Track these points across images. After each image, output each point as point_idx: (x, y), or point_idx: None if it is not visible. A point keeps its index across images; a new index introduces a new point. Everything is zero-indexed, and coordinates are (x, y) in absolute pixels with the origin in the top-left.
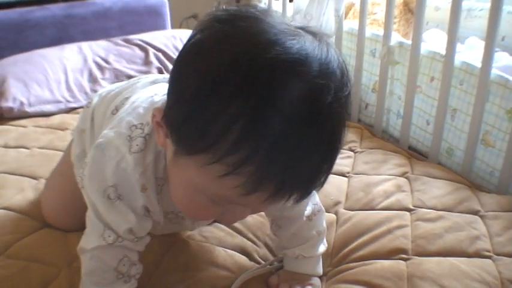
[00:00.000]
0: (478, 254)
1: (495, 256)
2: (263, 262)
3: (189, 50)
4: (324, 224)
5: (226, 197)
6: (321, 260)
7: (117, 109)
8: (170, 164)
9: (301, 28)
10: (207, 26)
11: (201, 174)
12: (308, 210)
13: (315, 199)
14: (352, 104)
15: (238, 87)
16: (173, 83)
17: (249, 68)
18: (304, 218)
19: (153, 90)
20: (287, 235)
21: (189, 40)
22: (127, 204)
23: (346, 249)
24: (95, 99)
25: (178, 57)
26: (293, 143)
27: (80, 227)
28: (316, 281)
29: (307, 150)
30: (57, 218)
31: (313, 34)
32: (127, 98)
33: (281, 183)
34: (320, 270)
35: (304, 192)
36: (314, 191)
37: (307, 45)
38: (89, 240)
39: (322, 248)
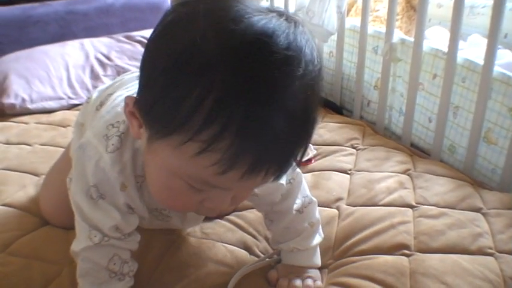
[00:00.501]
0: (480, 252)
1: (497, 253)
2: (263, 256)
3: (156, 35)
4: (317, 215)
5: (203, 179)
6: (318, 251)
7: (101, 105)
8: (145, 153)
9: (268, 9)
10: (173, 9)
11: (176, 156)
12: (298, 203)
13: (305, 191)
14: (354, 101)
15: (206, 63)
16: (142, 68)
17: (216, 42)
18: (294, 212)
19: (136, 86)
20: (279, 229)
21: (158, 24)
22: (110, 203)
23: (348, 243)
24: (95, 95)
25: (146, 44)
26: (265, 115)
27: None
28: (315, 272)
29: (280, 121)
30: (55, 215)
31: (280, 13)
32: (110, 95)
33: (256, 157)
34: (318, 261)
35: (282, 166)
36: (304, 186)
37: (273, 21)
38: (78, 243)
39: (317, 239)
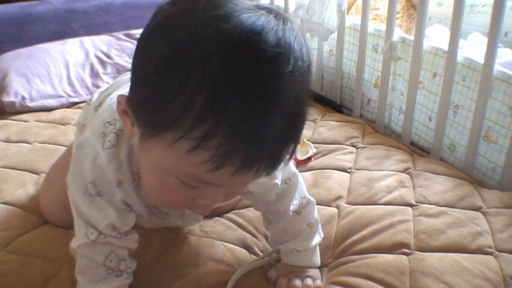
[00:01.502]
0: (480, 250)
1: (497, 252)
2: (262, 254)
3: (146, 33)
4: (316, 216)
5: (196, 176)
6: (317, 251)
7: (99, 105)
8: (138, 151)
9: (257, 6)
10: (162, 8)
11: (168, 154)
12: (295, 204)
13: (303, 192)
14: (354, 99)
15: (196, 61)
16: (134, 66)
17: (205, 41)
18: (292, 213)
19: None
20: (277, 230)
21: (148, 24)
22: (107, 200)
23: (348, 242)
24: (95, 96)
25: (137, 43)
26: (256, 112)
27: None
28: (315, 272)
29: (271, 117)
30: (56, 214)
31: (269, 10)
32: (108, 95)
33: (248, 153)
34: (317, 261)
35: (274, 162)
36: (302, 187)
37: (262, 18)
38: (75, 240)
39: (317, 239)
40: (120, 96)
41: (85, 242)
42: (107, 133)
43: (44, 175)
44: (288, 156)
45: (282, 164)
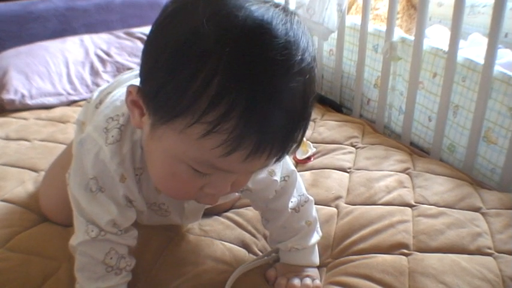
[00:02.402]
0: (479, 251)
1: (496, 254)
2: (261, 254)
3: (158, 25)
4: (314, 214)
5: (208, 161)
6: (316, 250)
7: (100, 103)
8: (148, 140)
9: (264, 0)
10: (173, 1)
11: (181, 140)
12: (293, 201)
13: (301, 190)
14: (354, 99)
15: (211, 47)
16: (145, 58)
17: (219, 28)
18: (290, 210)
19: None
20: (276, 228)
21: (159, 16)
22: (108, 196)
23: (347, 241)
24: (95, 95)
25: (148, 35)
26: (269, 95)
27: None
28: (314, 271)
29: (283, 102)
30: (56, 211)
31: (275, 4)
32: (109, 93)
33: (261, 136)
34: (316, 260)
35: (284, 146)
36: (300, 185)
37: (271, 10)
38: (75, 237)
39: (315, 237)
40: (130, 86)
41: (85, 239)
42: (109, 128)
43: (43, 173)
44: (296, 143)
45: (291, 150)
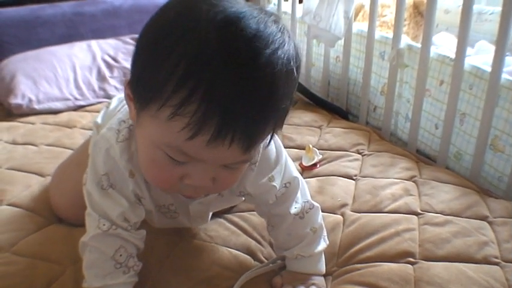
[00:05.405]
0: (485, 260)
1: (503, 263)
2: (267, 261)
3: (145, 25)
4: (320, 221)
5: (177, 146)
6: (323, 258)
7: (115, 109)
8: (136, 129)
9: (251, 5)
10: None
11: (154, 124)
12: (297, 207)
13: (306, 196)
14: (360, 106)
15: (182, 35)
16: (134, 53)
17: (191, 18)
18: (294, 216)
19: None
20: (281, 235)
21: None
22: (119, 192)
23: (353, 250)
24: (115, 103)
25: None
26: (230, 81)
27: None
28: (320, 279)
29: (244, 89)
30: (69, 209)
31: (261, 9)
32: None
33: (221, 121)
34: (322, 268)
35: (248, 137)
36: (305, 191)
37: (246, 7)
38: (87, 234)
39: (322, 245)
40: (125, 80)
41: (97, 232)
42: (121, 129)
43: (49, 177)
44: (267, 139)
45: (259, 145)
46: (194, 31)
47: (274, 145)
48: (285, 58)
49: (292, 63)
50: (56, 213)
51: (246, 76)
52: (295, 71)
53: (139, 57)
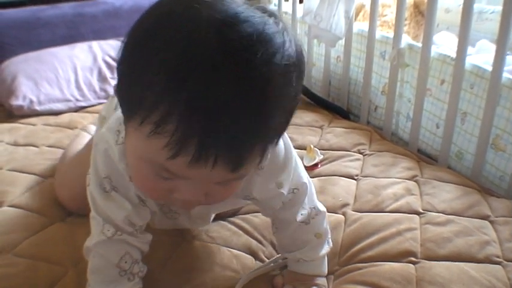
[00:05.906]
0: (487, 260)
1: (505, 262)
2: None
3: (130, 28)
4: (325, 226)
5: (160, 163)
6: (325, 260)
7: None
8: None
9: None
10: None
11: (138, 138)
12: (304, 214)
13: (313, 202)
14: (361, 106)
15: (162, 44)
16: (118, 57)
17: (172, 25)
18: (299, 223)
19: None
20: (285, 238)
21: None
22: (122, 194)
23: (354, 249)
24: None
25: None
26: (212, 97)
27: None
28: (322, 280)
29: (226, 106)
30: (78, 200)
31: (262, 9)
32: None
33: (202, 141)
34: (325, 269)
35: (234, 158)
36: (313, 196)
37: (243, 7)
38: (91, 238)
39: (325, 249)
40: (114, 86)
41: (101, 239)
42: (121, 130)
43: (50, 179)
44: (258, 159)
45: (250, 165)
46: (173, 41)
47: (283, 147)
48: (286, 66)
49: (293, 72)
50: (64, 205)
51: (230, 90)
52: (294, 77)
53: (122, 62)
